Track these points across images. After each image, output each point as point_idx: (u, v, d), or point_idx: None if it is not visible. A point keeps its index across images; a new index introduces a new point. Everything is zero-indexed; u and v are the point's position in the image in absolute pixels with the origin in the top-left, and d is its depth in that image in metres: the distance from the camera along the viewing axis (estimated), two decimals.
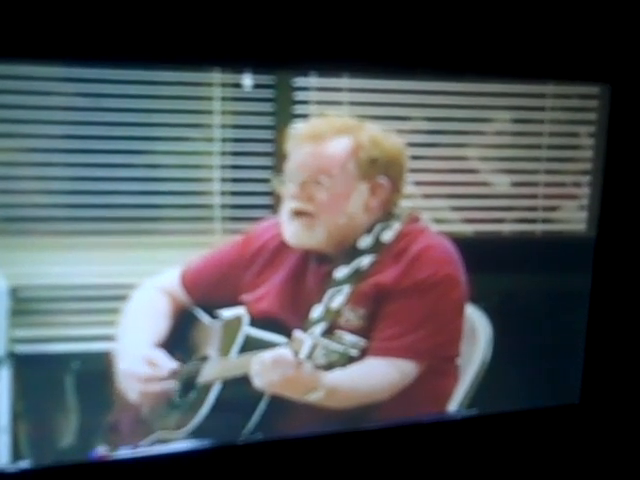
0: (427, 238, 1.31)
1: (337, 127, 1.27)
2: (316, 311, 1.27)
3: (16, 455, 1.27)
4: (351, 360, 1.17)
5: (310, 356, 1.18)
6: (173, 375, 1.28)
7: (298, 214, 1.27)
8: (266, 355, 1.22)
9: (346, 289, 1.27)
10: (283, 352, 1.21)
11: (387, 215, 1.30)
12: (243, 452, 1.32)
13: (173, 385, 1.29)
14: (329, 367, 1.17)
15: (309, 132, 1.28)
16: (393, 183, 1.30)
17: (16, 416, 1.28)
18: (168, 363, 1.29)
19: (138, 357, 1.28)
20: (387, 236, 1.29)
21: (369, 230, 1.29)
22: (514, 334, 1.45)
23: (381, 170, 1.28)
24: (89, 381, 1.31)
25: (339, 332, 1.21)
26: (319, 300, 1.28)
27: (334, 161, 1.26)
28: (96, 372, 1.29)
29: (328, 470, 1.40)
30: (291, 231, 1.28)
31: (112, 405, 1.31)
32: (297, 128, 1.29)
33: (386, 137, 1.30)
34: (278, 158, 1.30)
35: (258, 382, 1.21)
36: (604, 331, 1.54)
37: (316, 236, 1.27)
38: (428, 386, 1.30)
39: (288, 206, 1.28)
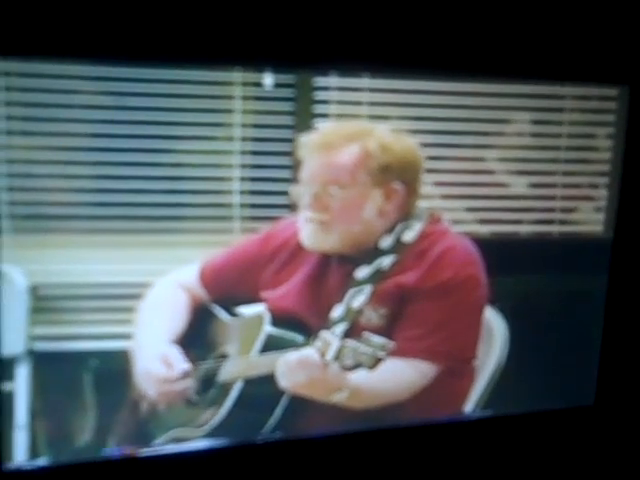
0: (449, 239, 1.30)
1: (347, 134, 1.26)
2: (337, 311, 1.27)
3: (34, 453, 1.27)
4: (378, 362, 1.17)
5: (337, 357, 1.18)
6: (188, 375, 1.28)
7: (312, 221, 1.27)
8: (292, 356, 1.22)
9: (367, 289, 1.27)
10: (309, 353, 1.21)
11: (407, 215, 1.30)
12: (262, 451, 1.32)
13: (189, 385, 1.29)
14: (355, 368, 1.17)
15: (320, 140, 1.27)
16: (408, 186, 1.28)
17: (34, 414, 1.28)
18: (182, 364, 1.28)
19: (154, 355, 1.28)
20: (408, 236, 1.29)
21: (390, 230, 1.29)
22: (530, 335, 1.45)
23: (394, 175, 1.27)
24: (107, 379, 1.31)
25: (366, 334, 1.20)
26: (340, 300, 1.27)
27: (345, 171, 1.25)
28: (114, 370, 1.29)
29: (346, 469, 1.40)
30: (306, 234, 1.28)
31: (130, 403, 1.31)
32: (308, 136, 1.28)
33: (397, 141, 1.28)
34: (297, 159, 1.30)
35: (284, 383, 1.22)
36: (620, 333, 1.54)
37: (330, 240, 1.27)
38: (445, 387, 1.30)
39: (303, 214, 1.28)
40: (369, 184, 1.26)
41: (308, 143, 1.27)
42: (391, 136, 1.28)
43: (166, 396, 1.29)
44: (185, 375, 1.28)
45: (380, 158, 1.25)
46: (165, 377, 1.27)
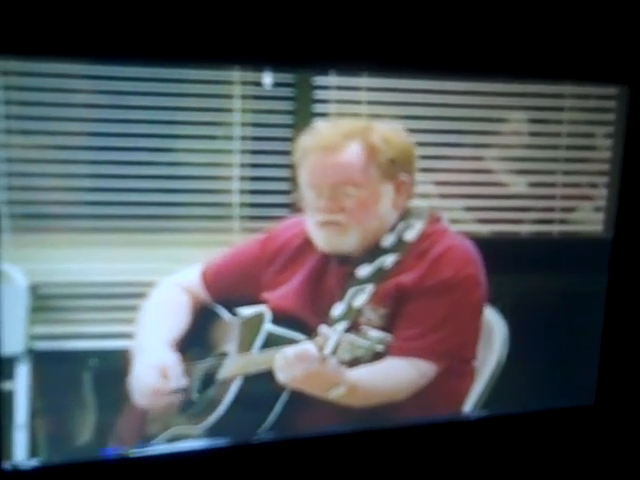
0: (449, 239, 1.30)
1: (345, 132, 1.26)
2: (337, 309, 1.27)
3: (33, 452, 1.27)
4: (377, 356, 1.17)
5: (335, 351, 1.18)
6: (181, 390, 1.28)
7: (328, 224, 1.27)
8: (290, 350, 1.21)
9: (368, 288, 1.26)
10: (307, 347, 1.21)
11: (408, 213, 1.30)
12: (260, 450, 1.32)
13: (180, 397, 1.28)
14: (354, 363, 1.17)
15: (318, 143, 1.26)
16: (412, 177, 1.30)
17: (34, 413, 1.28)
18: (179, 378, 1.28)
19: (153, 363, 1.27)
20: (410, 235, 1.29)
21: (392, 229, 1.29)
22: (530, 335, 1.45)
23: (401, 167, 1.28)
24: (107, 378, 1.31)
25: (365, 328, 1.20)
26: (340, 299, 1.27)
27: (356, 169, 1.25)
28: (114, 369, 1.29)
29: (345, 468, 1.40)
30: (322, 238, 1.28)
31: (129, 402, 1.31)
32: (304, 140, 1.27)
33: (395, 135, 1.29)
34: (293, 163, 1.30)
35: (281, 377, 1.21)
36: (620, 332, 1.53)
37: (349, 241, 1.27)
38: (445, 387, 1.30)
39: (315, 218, 1.27)
40: (381, 179, 1.26)
41: (306, 146, 1.27)
42: (389, 131, 1.29)
43: (155, 406, 1.28)
44: (179, 390, 1.28)
45: (386, 151, 1.26)
46: (158, 389, 1.26)
